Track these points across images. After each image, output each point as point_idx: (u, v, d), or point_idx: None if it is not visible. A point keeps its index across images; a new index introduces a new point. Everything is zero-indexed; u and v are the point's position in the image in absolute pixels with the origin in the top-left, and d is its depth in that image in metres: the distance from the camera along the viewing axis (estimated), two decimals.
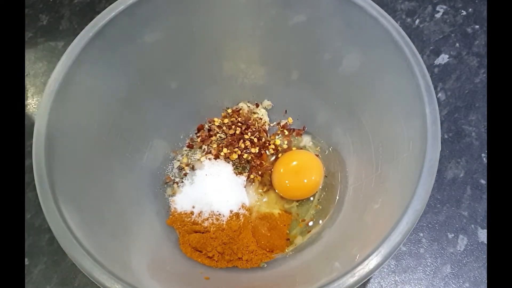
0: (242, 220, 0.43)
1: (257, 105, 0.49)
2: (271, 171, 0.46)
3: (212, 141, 0.47)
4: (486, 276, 0.42)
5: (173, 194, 0.45)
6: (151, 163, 0.45)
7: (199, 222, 0.43)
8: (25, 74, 0.54)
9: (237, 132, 0.46)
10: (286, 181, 0.45)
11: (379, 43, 0.35)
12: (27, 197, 0.47)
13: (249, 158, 0.45)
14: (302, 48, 0.42)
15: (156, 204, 0.44)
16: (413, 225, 0.29)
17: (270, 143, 0.47)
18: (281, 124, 0.49)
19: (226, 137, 0.46)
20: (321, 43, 0.40)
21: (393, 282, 0.43)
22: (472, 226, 0.44)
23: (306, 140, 0.48)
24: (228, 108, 0.49)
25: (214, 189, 0.44)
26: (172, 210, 0.44)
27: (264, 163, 0.46)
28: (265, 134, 0.48)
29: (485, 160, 0.47)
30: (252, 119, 0.47)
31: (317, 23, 0.39)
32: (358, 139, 0.43)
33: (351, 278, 0.28)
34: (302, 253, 0.41)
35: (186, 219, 0.43)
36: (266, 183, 0.46)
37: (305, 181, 0.44)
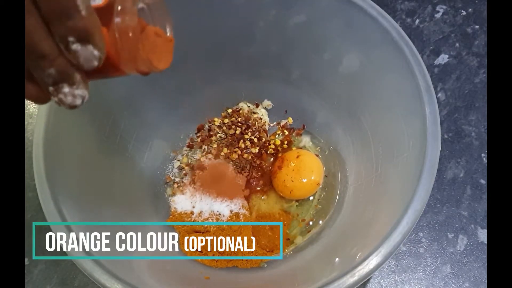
0: (242, 220, 0.43)
1: (257, 105, 0.49)
2: (271, 171, 0.46)
3: (212, 141, 0.47)
4: (486, 276, 0.42)
5: (173, 194, 0.45)
6: (151, 163, 0.45)
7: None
8: None
9: (237, 132, 0.46)
10: (286, 181, 0.45)
11: (379, 43, 0.35)
12: (27, 197, 0.47)
13: (249, 158, 0.45)
14: (302, 48, 0.42)
15: (156, 204, 0.44)
16: (413, 225, 0.29)
17: (270, 143, 0.47)
18: (281, 124, 0.49)
19: (226, 137, 0.46)
20: (321, 43, 0.40)
21: (393, 282, 0.43)
22: (472, 226, 0.44)
23: (306, 140, 0.48)
24: (228, 108, 0.49)
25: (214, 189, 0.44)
26: (172, 210, 0.44)
27: (264, 163, 0.46)
28: (265, 134, 0.47)
29: (485, 160, 0.47)
30: (252, 119, 0.47)
31: (317, 23, 0.39)
32: (358, 139, 0.43)
33: (351, 278, 0.28)
34: (302, 253, 0.41)
35: (186, 219, 0.43)
36: (266, 183, 0.46)
37: (305, 181, 0.44)
